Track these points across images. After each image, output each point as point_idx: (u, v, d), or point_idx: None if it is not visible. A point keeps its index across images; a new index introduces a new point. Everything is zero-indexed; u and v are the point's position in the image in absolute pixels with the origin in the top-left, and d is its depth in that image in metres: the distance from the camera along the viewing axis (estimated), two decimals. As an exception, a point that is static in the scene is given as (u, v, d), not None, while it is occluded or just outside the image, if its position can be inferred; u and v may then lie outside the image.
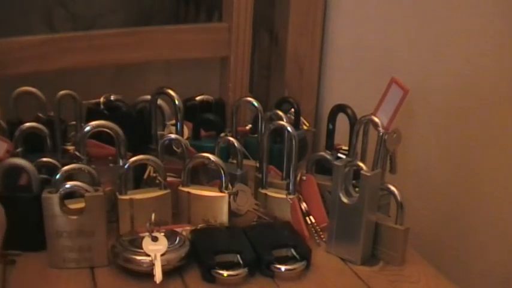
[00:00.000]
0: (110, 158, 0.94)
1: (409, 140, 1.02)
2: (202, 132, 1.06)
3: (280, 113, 1.01)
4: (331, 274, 0.86)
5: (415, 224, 0.90)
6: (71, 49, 1.08)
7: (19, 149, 0.92)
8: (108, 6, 1.50)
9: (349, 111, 1.00)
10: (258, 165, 0.98)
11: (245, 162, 0.98)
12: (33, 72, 1.06)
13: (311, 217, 0.94)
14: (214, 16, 1.42)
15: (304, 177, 0.97)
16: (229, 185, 0.91)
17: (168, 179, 0.91)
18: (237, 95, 1.17)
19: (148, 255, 0.80)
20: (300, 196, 0.95)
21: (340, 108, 1.02)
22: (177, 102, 0.98)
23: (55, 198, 0.80)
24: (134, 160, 0.88)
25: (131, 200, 0.88)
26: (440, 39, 1.03)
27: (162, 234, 0.82)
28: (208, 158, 0.91)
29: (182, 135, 1.00)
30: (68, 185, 0.82)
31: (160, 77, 1.43)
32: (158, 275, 0.78)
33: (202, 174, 0.98)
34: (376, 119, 0.91)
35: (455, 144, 1.04)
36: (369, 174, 0.84)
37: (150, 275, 0.78)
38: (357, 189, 0.87)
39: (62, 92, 1.00)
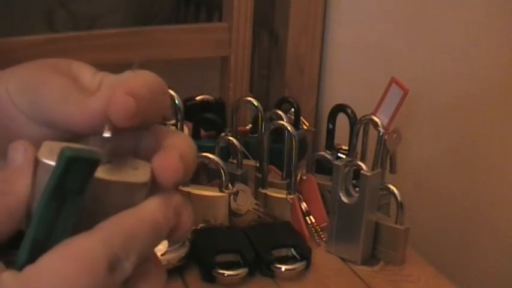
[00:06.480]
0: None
1: (409, 140, 1.02)
2: (202, 132, 1.06)
3: (280, 112, 1.01)
4: (331, 274, 0.86)
5: (415, 224, 0.90)
6: (71, 49, 1.08)
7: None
8: (108, 6, 1.50)
9: (349, 111, 1.00)
10: (258, 165, 0.98)
11: (245, 162, 0.98)
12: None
13: (311, 217, 0.94)
14: (214, 16, 1.42)
15: (304, 177, 0.97)
16: (229, 185, 0.91)
17: (168, 178, 0.91)
18: (237, 95, 1.16)
19: (149, 255, 0.79)
20: (300, 196, 0.95)
21: (340, 108, 1.02)
22: (177, 102, 0.98)
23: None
24: (134, 160, 0.88)
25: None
26: (440, 39, 1.03)
27: (162, 234, 0.82)
28: (208, 158, 0.91)
29: (182, 135, 0.99)
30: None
31: (160, 77, 1.43)
32: (158, 275, 0.78)
33: (202, 174, 0.98)
34: (376, 119, 0.91)
35: (455, 144, 1.04)
36: (369, 174, 0.84)
37: (150, 274, 0.78)
38: (357, 189, 0.87)
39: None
